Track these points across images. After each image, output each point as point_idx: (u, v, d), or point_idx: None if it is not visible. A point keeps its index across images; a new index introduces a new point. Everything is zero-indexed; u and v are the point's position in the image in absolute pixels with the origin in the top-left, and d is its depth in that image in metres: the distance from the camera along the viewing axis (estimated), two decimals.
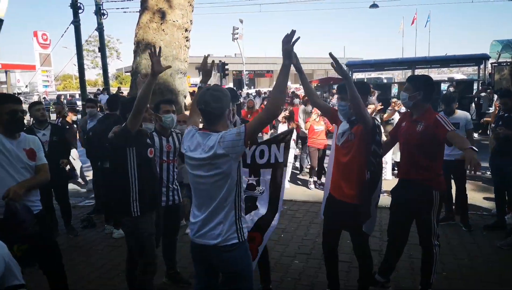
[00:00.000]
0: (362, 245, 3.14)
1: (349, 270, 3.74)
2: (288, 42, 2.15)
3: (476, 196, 6.09)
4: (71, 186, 8.21)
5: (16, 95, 18.97)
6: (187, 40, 5.57)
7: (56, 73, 32.88)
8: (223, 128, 2.24)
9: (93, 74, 44.74)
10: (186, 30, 5.50)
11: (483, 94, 13.87)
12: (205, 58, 2.77)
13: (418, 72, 15.30)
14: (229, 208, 2.20)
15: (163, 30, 5.29)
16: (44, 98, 25.72)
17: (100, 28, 17.54)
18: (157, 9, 5.27)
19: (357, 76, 28.51)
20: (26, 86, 24.98)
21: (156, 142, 3.42)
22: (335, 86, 19.35)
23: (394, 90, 16.68)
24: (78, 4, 15.73)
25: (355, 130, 2.96)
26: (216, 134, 2.17)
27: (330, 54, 2.75)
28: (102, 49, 18.14)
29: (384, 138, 6.34)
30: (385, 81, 22.89)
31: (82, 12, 15.83)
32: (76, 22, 15.82)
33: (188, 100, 6.83)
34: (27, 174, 2.80)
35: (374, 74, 24.90)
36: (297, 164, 8.75)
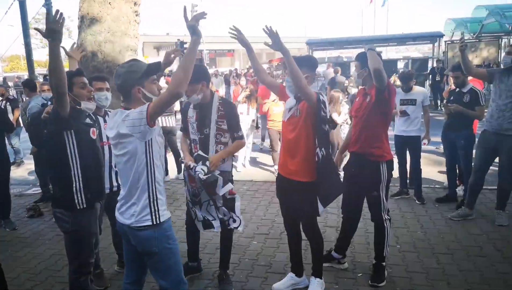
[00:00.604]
0: (310, 225, 3.08)
1: (307, 248, 3.72)
2: (194, 18, 2.07)
3: (429, 170, 6.28)
4: (19, 172, 7.79)
5: None
6: (136, 15, 5.23)
7: (1, 54, 30.74)
8: (135, 106, 2.14)
9: (43, 54, 42.26)
10: (135, 4, 5.15)
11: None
12: (177, 44, 2.71)
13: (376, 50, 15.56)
14: (141, 189, 2.16)
15: (109, 3, 4.92)
16: None
17: (48, 5, 16.39)
18: None
19: (318, 54, 28.71)
20: None
21: None
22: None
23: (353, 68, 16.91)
24: None
25: (301, 106, 2.88)
26: (126, 112, 2.12)
27: (264, 29, 2.69)
28: None
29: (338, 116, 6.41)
30: (345, 60, 23.15)
31: None
32: None
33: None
34: None
35: (334, 53, 25.10)
36: (259, 145, 8.70)
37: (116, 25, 4.99)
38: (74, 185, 2.57)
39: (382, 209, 3.22)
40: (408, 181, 5.33)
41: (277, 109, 6.52)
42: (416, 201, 5.04)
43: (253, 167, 7.35)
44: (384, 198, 3.21)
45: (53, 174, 2.74)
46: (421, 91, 5.20)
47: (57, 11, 2.21)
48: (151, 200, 2.17)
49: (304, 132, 2.85)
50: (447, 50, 17.56)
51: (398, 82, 6.22)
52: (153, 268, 2.28)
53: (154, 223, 2.16)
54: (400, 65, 17.89)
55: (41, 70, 28.96)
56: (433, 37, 17.06)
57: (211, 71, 27.82)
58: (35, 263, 3.85)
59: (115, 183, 3.33)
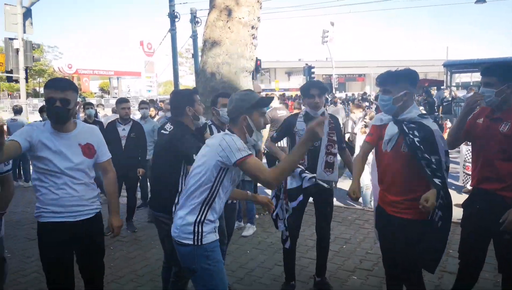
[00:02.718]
0: (413, 282, 2.56)
1: None
2: (316, 125, 1.96)
3: None
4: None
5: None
6: (253, 38, 5.42)
7: (158, 79, 35.80)
8: (238, 132, 2.21)
9: (191, 80, 47.75)
10: (252, 28, 5.36)
11: None
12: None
13: None
14: (194, 206, 2.14)
15: (228, 27, 5.21)
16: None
17: (194, 36, 18.55)
18: (224, 6, 5.22)
19: (462, 78, 25.71)
20: (129, 91, 27.88)
21: None
22: (432, 87, 17.61)
23: None
24: (175, 14, 16.87)
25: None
26: (225, 135, 2.15)
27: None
28: (195, 55, 19.13)
29: None
30: None
31: (178, 20, 16.93)
32: (172, 30, 16.92)
33: (274, 102, 6.64)
34: (85, 178, 2.43)
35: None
36: None
37: (233, 48, 5.24)
38: (177, 194, 2.65)
39: None
40: None
41: None
42: None
43: None
44: None
45: (162, 179, 2.85)
46: None
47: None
48: (198, 220, 2.14)
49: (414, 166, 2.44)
50: None
51: None
52: (195, 286, 2.26)
53: (196, 243, 2.13)
54: None
55: None
56: None
57: (340, 95, 27.46)
58: (142, 265, 4.15)
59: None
